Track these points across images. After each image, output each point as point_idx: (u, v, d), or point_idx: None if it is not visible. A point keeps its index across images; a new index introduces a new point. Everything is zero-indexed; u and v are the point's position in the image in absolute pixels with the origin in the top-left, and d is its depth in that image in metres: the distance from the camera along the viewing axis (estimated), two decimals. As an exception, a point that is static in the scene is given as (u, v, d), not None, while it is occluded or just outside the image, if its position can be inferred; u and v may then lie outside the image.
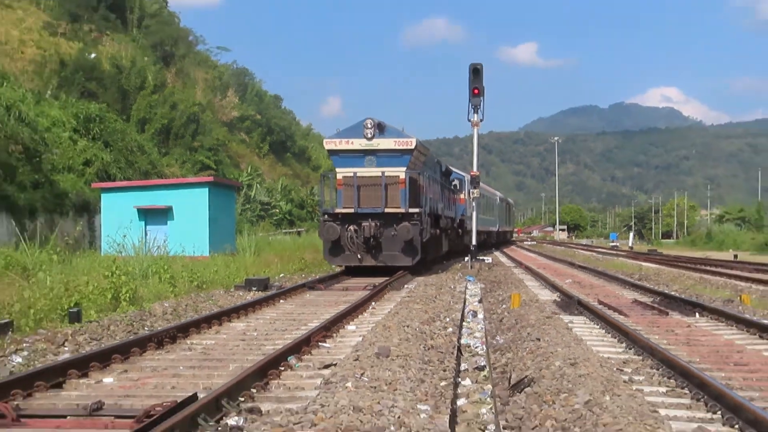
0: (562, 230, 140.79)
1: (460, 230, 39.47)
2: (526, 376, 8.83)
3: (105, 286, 16.62)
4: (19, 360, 10.21)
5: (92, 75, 64.11)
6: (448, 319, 14.26)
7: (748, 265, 37.02)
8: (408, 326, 12.49)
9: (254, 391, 7.94)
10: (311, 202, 74.76)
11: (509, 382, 8.92)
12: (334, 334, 12.23)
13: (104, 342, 11.44)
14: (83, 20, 74.40)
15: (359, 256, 24.07)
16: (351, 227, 23.92)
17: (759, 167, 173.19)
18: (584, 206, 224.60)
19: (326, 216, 24.74)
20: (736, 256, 50.32)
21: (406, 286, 21.05)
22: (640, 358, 10.22)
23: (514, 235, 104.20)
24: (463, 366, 10.78)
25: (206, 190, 37.12)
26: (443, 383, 8.63)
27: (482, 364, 10.97)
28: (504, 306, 17.22)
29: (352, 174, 24.40)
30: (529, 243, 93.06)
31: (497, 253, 50.37)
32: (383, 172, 24.24)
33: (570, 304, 16.53)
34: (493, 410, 8.14)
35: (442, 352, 10.54)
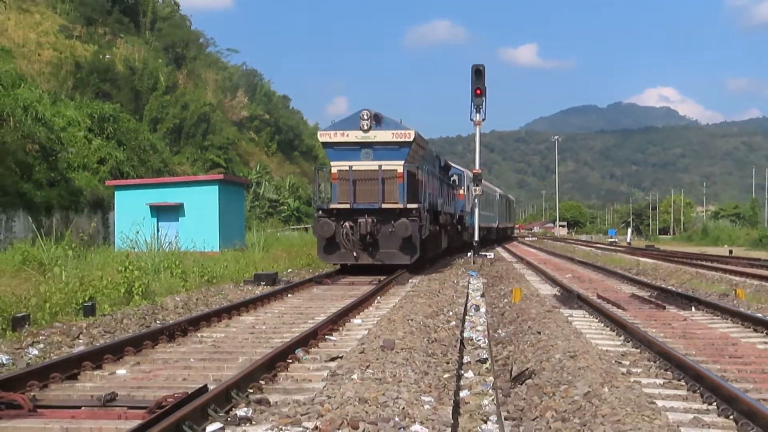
0: (562, 226, 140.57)
1: (459, 226, 37.64)
2: (527, 369, 8.82)
3: (118, 280, 16.64)
4: (36, 352, 10.23)
5: (106, 76, 64.22)
6: (451, 313, 14.25)
7: (743, 260, 37.01)
8: (412, 320, 12.48)
9: (263, 382, 7.94)
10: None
11: (511, 375, 8.92)
12: (341, 328, 12.24)
13: (117, 335, 11.47)
14: (98, 23, 74.48)
15: (355, 254, 22.35)
16: (346, 223, 22.19)
17: (753, 165, 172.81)
18: (584, 203, 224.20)
19: (320, 212, 22.96)
20: (731, 252, 50.24)
21: (410, 281, 21.01)
22: (638, 350, 10.21)
23: (516, 231, 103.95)
24: (465, 358, 10.78)
25: (216, 187, 37.19)
26: (446, 375, 8.62)
27: (484, 356, 10.96)
28: (506, 300, 17.21)
29: (347, 168, 22.71)
30: (530, 239, 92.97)
31: (499, 249, 50.40)
32: (380, 166, 22.51)
33: (570, 298, 16.51)
34: (495, 402, 8.13)
35: (445, 345, 10.54)
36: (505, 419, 7.14)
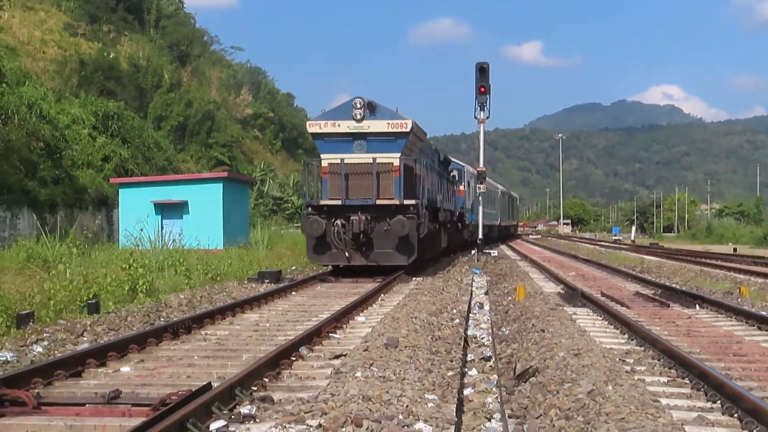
0: (566, 224, 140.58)
1: (459, 224, 35.80)
2: (530, 367, 8.81)
3: (122, 278, 16.66)
4: (40, 349, 10.24)
5: (111, 74, 64.30)
6: (455, 311, 14.24)
7: (747, 258, 36.97)
8: (416, 317, 12.48)
9: (267, 380, 7.94)
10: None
11: (514, 372, 8.91)
12: (344, 326, 12.24)
13: (121, 332, 11.47)
14: (102, 21, 74.60)
15: (347, 255, 20.52)
16: (338, 221, 20.39)
17: (757, 163, 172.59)
18: (588, 201, 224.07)
19: (310, 208, 21.09)
20: (735, 250, 50.21)
21: (414, 278, 20.96)
22: (642, 348, 10.19)
23: (519, 229, 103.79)
24: (469, 356, 10.76)
25: (221, 185, 37.24)
26: (450, 373, 8.62)
27: (488, 354, 10.95)
28: (509, 298, 17.21)
29: (339, 160, 20.88)
30: (534, 237, 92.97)
31: (502, 247, 50.36)
32: (374, 159, 20.61)
33: (574, 296, 16.49)
34: (499, 399, 8.13)
35: (449, 343, 10.54)
36: (509, 417, 7.14)
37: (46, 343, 10.73)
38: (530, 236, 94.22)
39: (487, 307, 16.53)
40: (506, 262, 31.63)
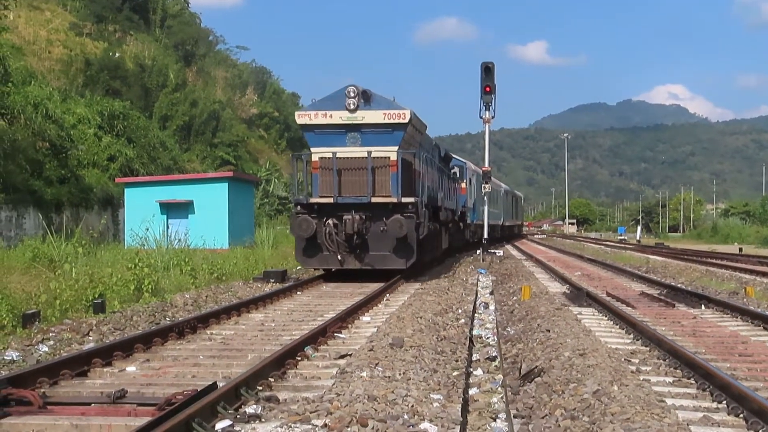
0: (572, 224, 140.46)
1: (461, 224, 33.92)
2: (536, 367, 8.81)
3: (128, 277, 16.71)
4: (46, 349, 10.27)
5: (116, 74, 64.39)
6: (460, 311, 14.25)
7: (753, 258, 36.90)
8: (421, 317, 12.49)
9: (272, 380, 7.94)
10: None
11: (520, 372, 8.91)
12: (350, 325, 12.23)
13: (127, 332, 11.49)
14: (108, 21, 74.70)
15: (340, 258, 18.84)
16: (330, 221, 18.68)
17: (763, 163, 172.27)
18: (593, 200, 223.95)
19: (299, 207, 19.23)
20: (741, 250, 50.12)
21: (420, 277, 20.90)
22: (648, 348, 10.19)
23: (525, 229, 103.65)
24: (474, 356, 10.76)
25: (226, 185, 37.32)
26: (455, 373, 8.62)
27: (493, 354, 10.95)
28: (515, 298, 17.21)
29: (330, 155, 18.97)
30: (539, 236, 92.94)
31: (508, 246, 50.34)
32: (369, 153, 18.82)
33: (579, 296, 16.48)
34: (504, 399, 8.12)
35: (454, 343, 10.54)
36: (514, 417, 7.14)
37: (51, 342, 10.76)
38: (535, 236, 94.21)
39: (492, 307, 16.52)
40: (511, 262, 31.62)
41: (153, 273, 17.69)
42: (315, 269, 20.50)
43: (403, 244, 18.65)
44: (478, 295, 18.30)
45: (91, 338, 11.17)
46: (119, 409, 6.75)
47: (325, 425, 5.97)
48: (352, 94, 18.91)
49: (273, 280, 19.63)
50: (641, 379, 8.04)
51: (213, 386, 6.96)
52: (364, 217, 18.63)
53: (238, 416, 6.47)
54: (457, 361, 9.33)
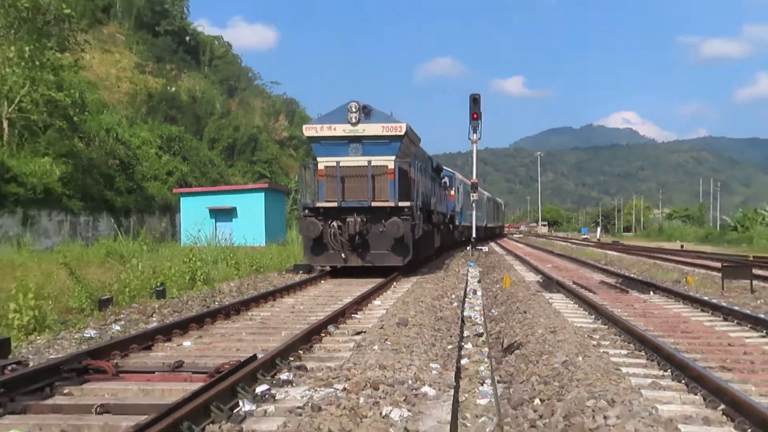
0: (544, 225, 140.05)
1: (450, 225, 32.55)
2: (515, 341, 8.82)
3: (184, 269, 16.75)
4: (117, 328, 10.31)
5: (173, 104, 64.61)
6: (453, 296, 14.26)
7: (692, 253, 36.85)
8: (422, 302, 12.49)
9: (301, 352, 7.95)
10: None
11: (502, 346, 8.92)
12: (364, 308, 12.22)
13: (183, 314, 11.51)
14: (166, 61, 74.95)
15: (343, 256, 17.86)
16: (334, 223, 17.78)
17: (700, 176, 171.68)
18: (561, 206, 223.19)
19: (306, 210, 18.37)
20: (682, 246, 49.97)
21: (420, 269, 20.87)
22: (606, 327, 10.17)
23: (506, 229, 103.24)
24: (465, 333, 10.78)
25: (263, 194, 37.43)
26: (450, 347, 8.64)
27: (481, 331, 10.96)
28: (498, 286, 17.20)
29: (335, 163, 17.99)
30: (518, 236, 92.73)
31: (492, 244, 50.22)
32: (369, 161, 17.87)
33: (550, 284, 16.47)
34: (490, 368, 8.14)
35: (449, 322, 10.55)
36: (498, 382, 7.15)
37: (122, 322, 10.80)
38: (514, 235, 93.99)
39: (479, 293, 16.52)
40: (495, 257, 31.58)
41: (204, 266, 17.73)
42: (322, 266, 19.34)
43: (400, 244, 17.71)
44: (468, 284, 18.28)
45: (154, 319, 11.21)
46: (177, 376, 6.77)
47: (345, 389, 5.98)
48: (353, 109, 17.95)
49: (301, 272, 19.62)
50: (601, 351, 8.04)
51: (253, 357, 6.98)
52: (365, 219, 17.72)
53: (274, 382, 6.49)
54: (451, 336, 9.34)
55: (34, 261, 16.51)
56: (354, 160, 18.04)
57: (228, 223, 35.61)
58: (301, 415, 5.24)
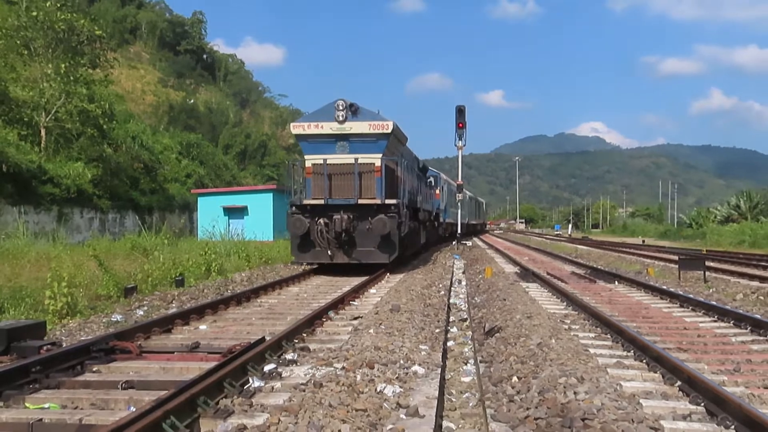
0: (522, 222, 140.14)
1: (435, 223, 30.74)
2: (496, 326, 8.80)
3: (200, 261, 16.73)
4: (141, 313, 10.28)
5: (191, 114, 64.57)
6: (441, 285, 14.22)
7: (652, 247, 36.91)
8: (413, 290, 12.47)
9: (305, 335, 7.94)
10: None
11: (484, 330, 8.90)
12: (361, 296, 12.21)
13: (200, 300, 11.49)
14: (185, 76, 74.85)
15: (330, 253, 16.21)
16: (321, 220, 16.14)
17: (660, 179, 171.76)
18: (537, 206, 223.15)
19: (294, 208, 16.64)
20: (643, 241, 50.09)
21: (411, 261, 20.81)
22: (576, 312, 10.17)
23: (488, 226, 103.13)
24: (451, 318, 10.75)
25: (271, 194, 37.40)
26: (437, 330, 8.62)
27: (465, 317, 10.94)
28: (480, 276, 17.19)
29: (321, 161, 16.38)
30: (498, 232, 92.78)
31: (475, 239, 50.22)
32: (356, 159, 16.29)
33: (527, 274, 16.47)
34: (473, 349, 8.12)
35: (437, 309, 10.52)
36: (480, 362, 7.13)
37: (145, 308, 10.77)
38: (495, 231, 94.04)
39: (464, 283, 16.49)
40: (478, 251, 31.57)
41: (218, 258, 17.69)
42: (308, 263, 17.54)
43: (386, 241, 16.12)
44: (454, 274, 18.27)
45: (173, 305, 11.19)
46: (194, 356, 6.75)
47: (343, 367, 5.96)
48: (341, 107, 16.36)
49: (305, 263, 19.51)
50: (572, 334, 8.04)
51: (262, 340, 6.96)
52: (351, 216, 16.11)
53: (280, 361, 6.48)
54: (438, 321, 9.32)
55: (67, 253, 16.42)
56: (341, 158, 16.49)
57: (240, 220, 35.61)
58: (304, 390, 5.22)
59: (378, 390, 5.32)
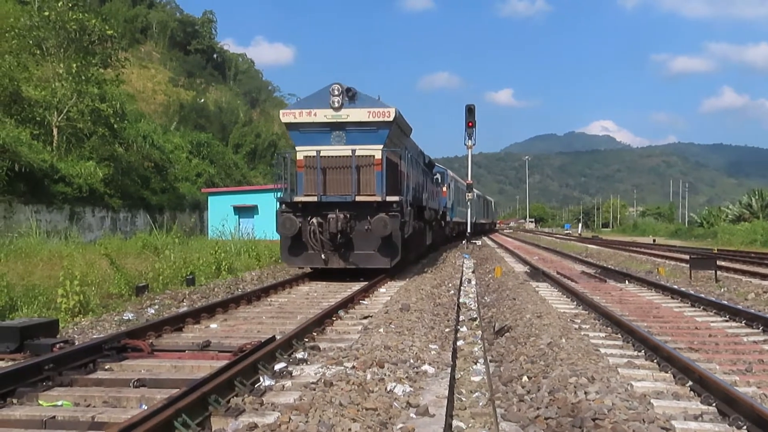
0: (531, 222, 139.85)
1: (442, 222, 28.94)
2: (505, 325, 8.80)
3: (211, 260, 16.78)
4: (152, 311, 10.33)
5: (202, 114, 64.73)
6: (450, 285, 14.21)
7: (663, 246, 36.73)
8: (422, 289, 12.46)
9: (315, 334, 7.95)
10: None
11: (494, 329, 8.90)
12: (371, 295, 12.20)
13: (210, 299, 11.53)
14: (196, 76, 75.05)
15: (324, 257, 14.29)
16: (314, 220, 14.17)
17: (670, 178, 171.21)
18: (547, 205, 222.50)
19: (283, 206, 14.65)
20: (654, 241, 49.87)
21: (420, 260, 20.77)
22: (587, 312, 10.15)
23: (497, 225, 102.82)
24: (461, 318, 10.75)
25: (281, 193, 37.36)
26: (447, 330, 8.62)
27: (475, 316, 10.93)
28: (490, 275, 17.17)
29: (314, 153, 14.37)
30: (508, 231, 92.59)
31: (485, 238, 50.15)
32: (354, 151, 14.20)
33: (537, 274, 16.43)
34: (483, 349, 8.11)
35: (446, 308, 10.52)
36: (490, 361, 7.13)
37: (156, 306, 10.82)
38: (505, 231, 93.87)
39: (473, 282, 16.47)
40: (487, 250, 31.53)
41: (229, 257, 17.75)
42: (300, 268, 15.49)
43: (387, 243, 14.23)
44: (463, 273, 18.25)
45: (184, 304, 11.23)
46: (205, 355, 6.78)
47: (353, 366, 5.97)
48: (336, 92, 14.30)
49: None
50: (582, 334, 8.02)
51: (272, 338, 6.98)
52: (348, 215, 14.20)
53: (290, 360, 6.49)
54: (448, 321, 9.32)
55: (79, 252, 16.52)
56: (336, 150, 14.46)
57: (250, 219, 35.68)
58: (314, 389, 5.23)
59: (388, 389, 5.33)
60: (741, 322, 9.04)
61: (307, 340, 7.52)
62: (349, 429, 4.35)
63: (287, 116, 14.77)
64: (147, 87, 63.96)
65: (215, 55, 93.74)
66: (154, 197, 39.01)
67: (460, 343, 8.65)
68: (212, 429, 4.63)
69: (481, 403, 5.95)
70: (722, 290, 13.51)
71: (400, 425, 4.55)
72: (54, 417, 4.83)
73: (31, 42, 31.97)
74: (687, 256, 21.60)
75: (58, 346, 6.64)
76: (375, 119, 14.31)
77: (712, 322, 9.33)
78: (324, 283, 14.52)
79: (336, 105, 14.29)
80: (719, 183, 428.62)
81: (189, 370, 6.28)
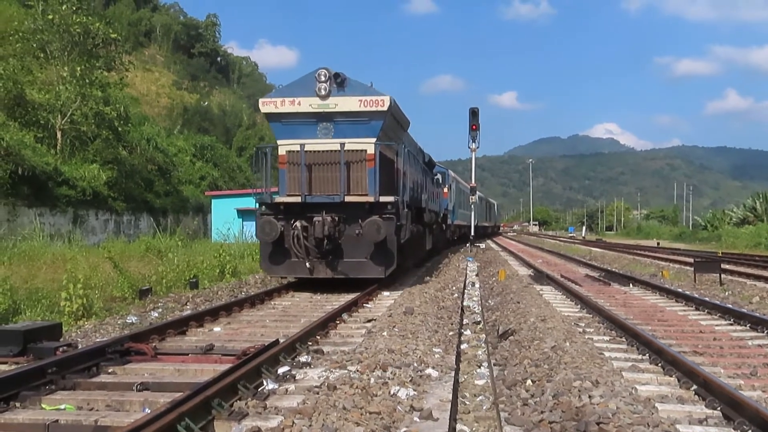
0: (535, 225, 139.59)
1: (443, 225, 27.21)
2: (509, 329, 8.78)
3: (214, 263, 16.78)
4: (156, 314, 10.34)
5: (205, 117, 64.84)
6: (454, 288, 14.20)
7: (667, 249, 36.67)
8: (426, 293, 12.45)
9: (318, 337, 7.94)
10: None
11: (498, 333, 8.88)
12: (374, 298, 12.17)
13: (214, 302, 11.52)
14: (200, 79, 75.21)
15: (309, 265, 12.49)
16: (298, 223, 12.42)
17: (674, 181, 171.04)
18: (550, 208, 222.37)
19: (263, 207, 13.00)
20: (658, 244, 49.77)
21: (425, 263, 20.73)
22: (591, 315, 10.13)
23: (501, 228, 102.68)
24: (465, 321, 10.74)
25: (285, 196, 37.37)
26: (451, 333, 8.61)
27: (478, 319, 10.91)
28: (494, 279, 17.15)
29: (298, 147, 12.59)
30: (512, 234, 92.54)
31: (489, 241, 50.12)
32: (342, 145, 12.46)
33: (541, 277, 16.42)
34: (487, 352, 8.10)
35: (450, 311, 10.51)
36: (494, 365, 7.12)
37: (160, 310, 10.84)
38: (509, 234, 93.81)
39: (477, 285, 16.46)
40: (491, 253, 31.51)
41: (232, 260, 17.74)
42: (282, 277, 13.81)
43: (381, 250, 12.45)
44: (467, 277, 18.22)
45: (188, 307, 11.24)
46: (209, 358, 6.78)
47: (357, 370, 5.97)
48: (323, 78, 12.54)
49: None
50: (586, 338, 8.00)
51: (276, 342, 6.97)
52: (336, 218, 12.45)
53: (294, 363, 6.48)
54: (452, 324, 9.31)
55: (82, 255, 16.54)
56: (323, 144, 12.73)
57: (254, 222, 35.71)
58: (318, 393, 5.22)
59: (392, 393, 5.32)
60: (746, 326, 9.02)
61: (310, 343, 7.51)
62: (353, 433, 4.34)
63: (267, 105, 12.88)
64: (151, 90, 64.15)
65: (219, 58, 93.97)
66: (158, 200, 39.06)
67: (463, 346, 8.64)
68: (215, 433, 4.62)
69: (485, 407, 5.94)
70: (727, 293, 13.47)
71: (404, 429, 4.55)
72: (57, 421, 4.83)
73: (35, 45, 32.07)
74: (691, 259, 21.55)
75: (61, 349, 6.64)
76: (367, 109, 12.58)
77: (717, 325, 9.30)
78: (327, 286, 14.50)
79: (323, 93, 12.57)
80: (723, 186, 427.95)
81: (192, 373, 6.28)
